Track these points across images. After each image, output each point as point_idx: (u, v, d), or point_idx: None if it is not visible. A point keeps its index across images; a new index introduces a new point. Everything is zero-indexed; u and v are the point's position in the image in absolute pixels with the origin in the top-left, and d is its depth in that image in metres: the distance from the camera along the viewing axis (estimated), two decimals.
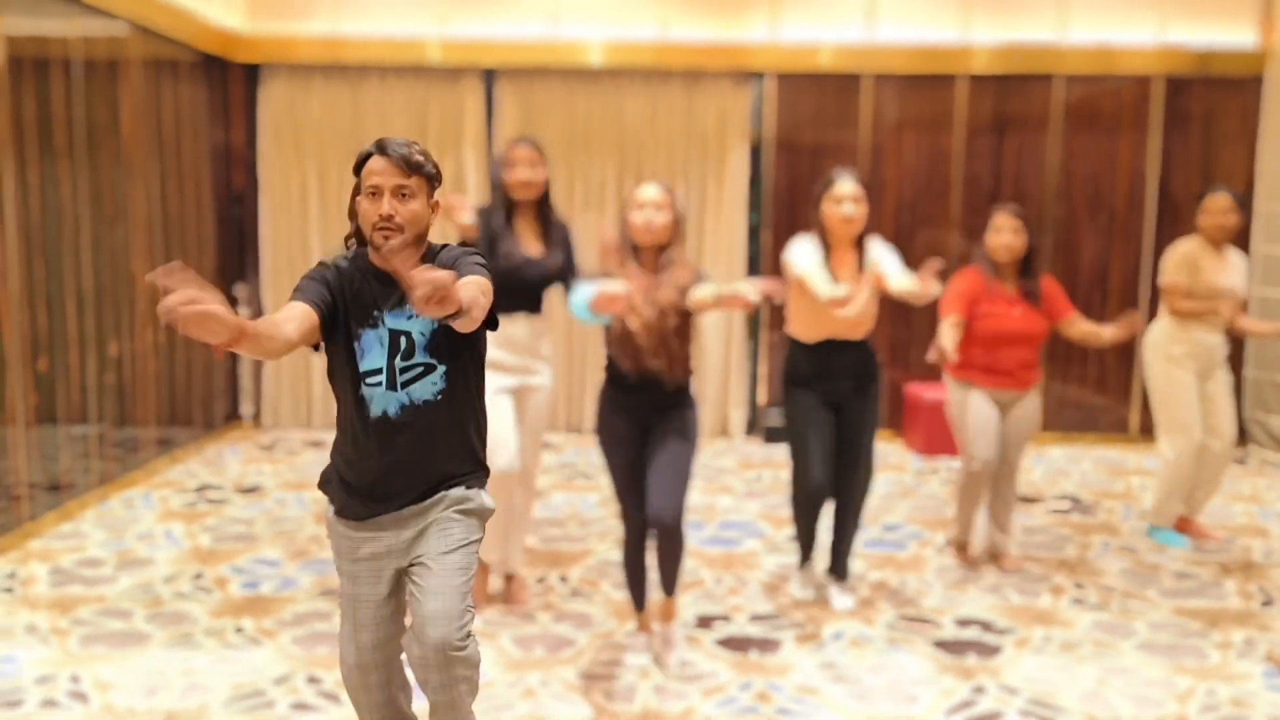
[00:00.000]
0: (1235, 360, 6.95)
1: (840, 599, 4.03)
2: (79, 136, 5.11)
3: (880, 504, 5.43)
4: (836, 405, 3.92)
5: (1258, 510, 5.47)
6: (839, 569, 4.12)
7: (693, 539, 4.83)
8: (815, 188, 3.98)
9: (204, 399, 6.56)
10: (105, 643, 3.56)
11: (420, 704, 2.52)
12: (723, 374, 7.08)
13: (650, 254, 3.35)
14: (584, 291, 3.14)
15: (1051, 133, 6.89)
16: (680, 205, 3.39)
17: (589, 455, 6.35)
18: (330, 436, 6.96)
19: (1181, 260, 4.64)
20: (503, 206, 3.84)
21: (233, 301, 6.97)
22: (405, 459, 2.31)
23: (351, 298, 2.28)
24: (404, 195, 2.24)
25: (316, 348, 2.30)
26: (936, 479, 6.01)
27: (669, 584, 3.48)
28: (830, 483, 3.95)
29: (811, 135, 6.92)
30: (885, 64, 6.78)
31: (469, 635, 2.26)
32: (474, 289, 2.15)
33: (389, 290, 2.26)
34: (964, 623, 3.86)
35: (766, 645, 3.64)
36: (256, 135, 6.95)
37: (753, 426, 7.13)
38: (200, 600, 3.97)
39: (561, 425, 7.12)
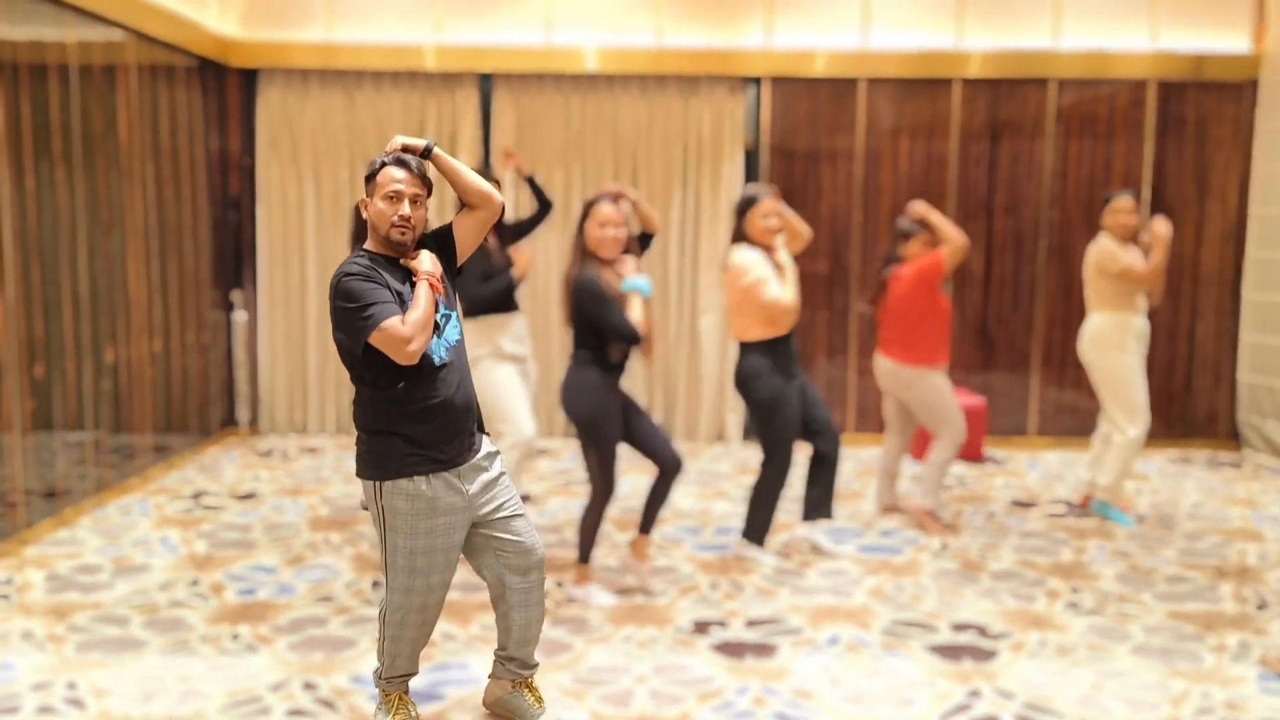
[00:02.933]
0: (1229, 366, 6.99)
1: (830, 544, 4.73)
2: (76, 142, 5.12)
3: (874, 508, 5.44)
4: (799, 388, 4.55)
5: (1252, 514, 5.48)
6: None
7: (688, 544, 4.83)
8: (739, 204, 4.49)
9: (200, 405, 6.56)
10: (101, 649, 3.56)
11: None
12: (719, 380, 7.09)
13: (608, 262, 3.99)
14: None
15: (1046, 137, 6.91)
16: (629, 217, 4.07)
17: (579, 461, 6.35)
18: (324, 442, 6.94)
19: (1114, 251, 5.05)
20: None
21: (229, 306, 6.98)
22: (461, 392, 2.84)
23: (389, 285, 2.77)
24: (417, 202, 2.79)
25: None
26: None
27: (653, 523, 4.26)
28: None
29: (807, 141, 6.94)
30: (880, 69, 6.80)
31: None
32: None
33: (396, 271, 2.82)
34: (960, 627, 3.87)
35: (763, 650, 3.65)
36: (254, 141, 6.96)
37: (749, 432, 7.13)
38: (197, 607, 3.97)
39: (559, 431, 7.12)
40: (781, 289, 4.31)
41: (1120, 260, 5.00)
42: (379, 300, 2.69)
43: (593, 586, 4.15)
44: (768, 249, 4.41)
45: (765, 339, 4.41)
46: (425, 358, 2.78)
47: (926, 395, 4.96)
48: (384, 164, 2.78)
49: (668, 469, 4.11)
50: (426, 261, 2.83)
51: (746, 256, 4.35)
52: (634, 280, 3.96)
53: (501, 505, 2.93)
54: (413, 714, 3.03)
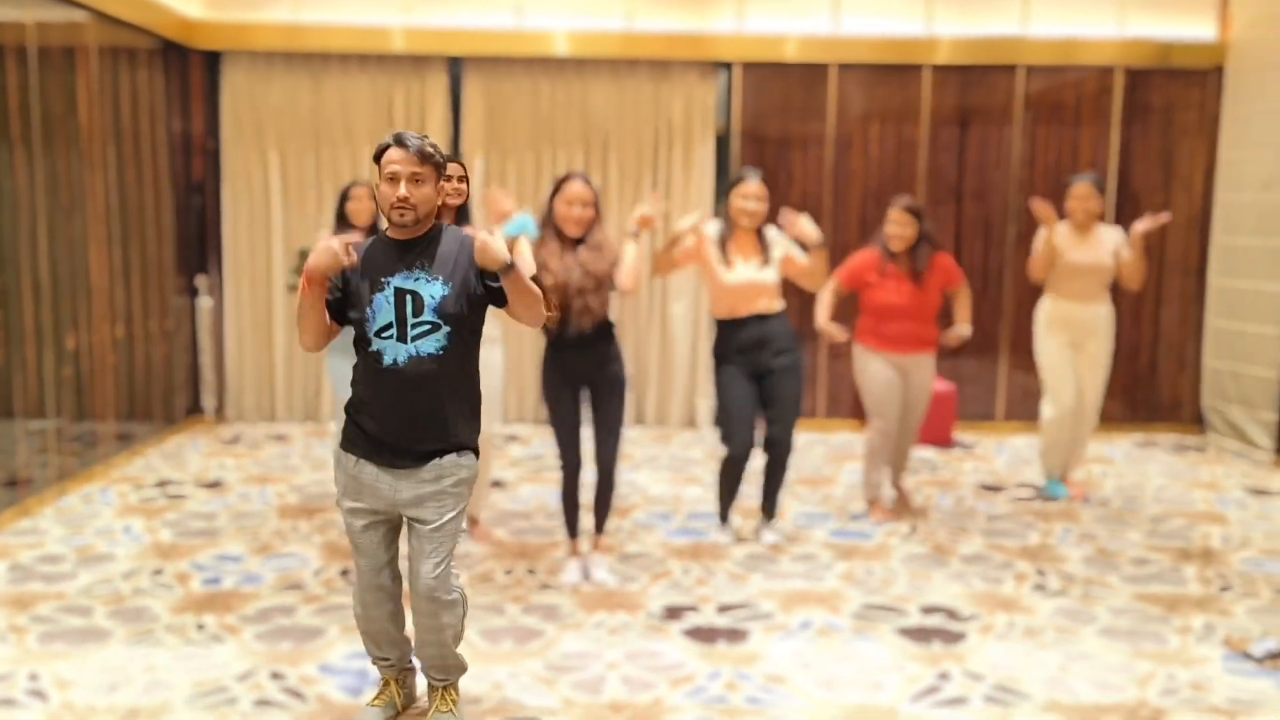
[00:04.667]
0: (1194, 351, 7.08)
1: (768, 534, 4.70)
2: (35, 125, 5.01)
3: (846, 494, 5.46)
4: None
5: (1216, 498, 5.55)
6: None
7: (660, 530, 4.83)
8: (728, 182, 4.63)
9: (164, 393, 6.47)
10: (65, 640, 3.51)
11: None
12: (690, 365, 7.09)
13: (570, 240, 3.97)
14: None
15: (1014, 124, 6.95)
16: (598, 196, 4.01)
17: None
18: (292, 430, 6.88)
19: (1044, 236, 5.13)
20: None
21: (193, 292, 6.88)
22: (414, 404, 2.75)
23: (363, 269, 2.75)
24: (417, 180, 2.71)
25: (342, 322, 2.82)
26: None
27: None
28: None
29: (778, 125, 6.93)
30: (851, 54, 6.80)
31: (454, 588, 2.85)
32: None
33: (399, 259, 2.75)
34: (929, 610, 3.90)
35: (734, 635, 3.65)
36: (218, 124, 6.85)
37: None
38: (161, 596, 3.92)
39: (530, 418, 7.09)
40: (725, 271, 4.43)
41: (1038, 243, 5.18)
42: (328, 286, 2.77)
43: (571, 563, 4.18)
44: (740, 229, 4.52)
45: (719, 319, 4.54)
46: (379, 356, 2.74)
47: (855, 374, 5.10)
48: (386, 145, 2.74)
49: (599, 468, 4.15)
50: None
51: (706, 223, 4.58)
52: (514, 222, 3.94)
53: (420, 519, 2.80)
54: (395, 700, 3.04)
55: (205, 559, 4.33)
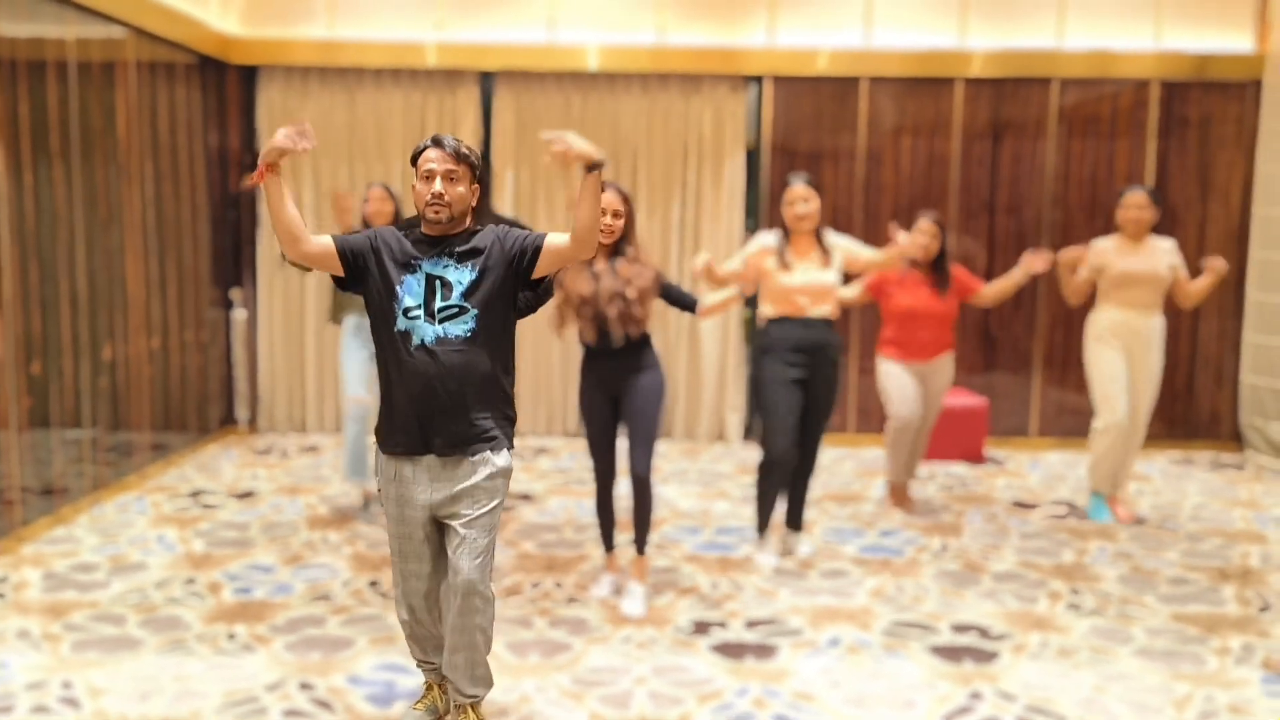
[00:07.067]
0: (1232, 366, 6.97)
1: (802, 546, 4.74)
2: (74, 139, 5.10)
3: (877, 509, 5.42)
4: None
5: (1254, 516, 5.45)
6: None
7: (688, 544, 4.81)
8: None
9: (199, 403, 6.53)
10: (97, 648, 3.54)
11: None
12: (719, 379, 7.07)
13: (604, 247, 3.94)
14: None
15: (1048, 137, 6.89)
16: (630, 206, 3.98)
17: (585, 460, 6.33)
18: (323, 441, 6.93)
19: (1094, 251, 5.19)
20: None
21: (228, 304, 6.95)
22: (441, 386, 2.75)
23: (393, 251, 2.80)
24: (452, 179, 2.78)
25: (341, 285, 2.85)
26: (934, 484, 6.00)
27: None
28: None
29: (809, 139, 6.91)
30: (882, 68, 6.78)
31: (490, 584, 2.85)
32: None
33: (431, 249, 2.81)
34: (961, 628, 3.85)
35: (763, 651, 3.62)
36: (254, 138, 6.94)
37: (749, 431, 7.11)
38: (193, 606, 3.95)
39: (559, 431, 7.10)
40: (784, 274, 4.44)
41: (1086, 253, 5.22)
42: (348, 237, 2.86)
43: (605, 578, 4.17)
44: (798, 234, 4.52)
45: (772, 318, 4.52)
46: (406, 336, 2.77)
47: (877, 379, 5.33)
48: (424, 146, 2.80)
49: (632, 476, 4.00)
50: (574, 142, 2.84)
51: (759, 237, 4.60)
52: None
53: (455, 514, 2.81)
54: (438, 704, 3.07)
55: (237, 569, 4.36)
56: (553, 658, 3.53)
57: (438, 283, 2.77)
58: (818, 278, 4.45)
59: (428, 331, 2.76)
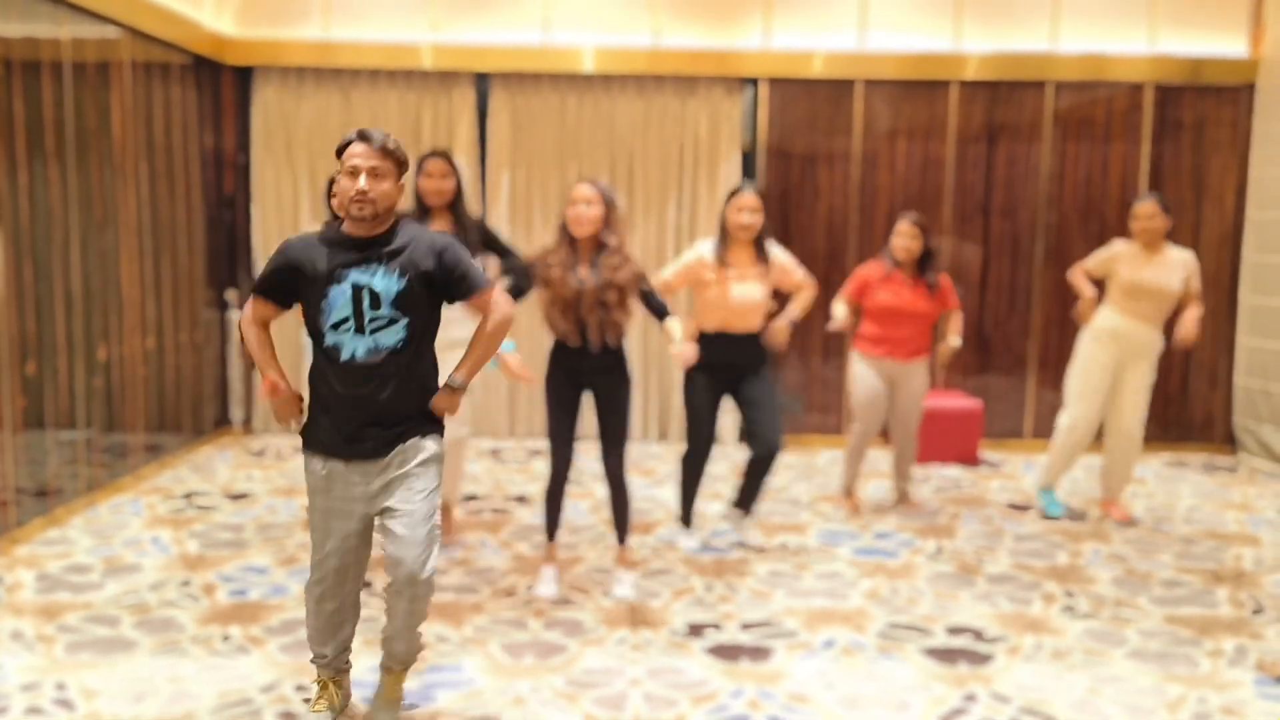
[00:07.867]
0: (1225, 369, 6.99)
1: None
2: (69, 139, 5.09)
3: (871, 512, 5.42)
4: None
5: (1248, 519, 5.47)
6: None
7: (682, 545, 4.81)
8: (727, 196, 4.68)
9: (193, 404, 6.52)
10: (91, 650, 3.54)
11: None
12: None
13: (586, 243, 3.96)
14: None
15: (1043, 140, 6.90)
16: (609, 199, 3.97)
17: (580, 462, 6.33)
18: None
19: (1104, 254, 5.20)
20: (419, 210, 4.43)
21: (223, 305, 6.94)
22: (373, 397, 2.76)
23: (314, 264, 2.77)
24: (377, 175, 2.72)
25: (289, 305, 2.89)
26: (929, 486, 6.01)
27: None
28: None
29: (804, 142, 6.92)
30: (877, 71, 6.79)
31: (433, 570, 2.82)
32: (501, 296, 2.91)
33: (356, 253, 2.77)
34: (955, 630, 3.86)
35: (758, 653, 3.63)
36: (248, 139, 6.93)
37: (744, 434, 7.10)
38: (187, 607, 3.94)
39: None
40: (728, 286, 4.49)
41: (1091, 258, 5.28)
42: (265, 274, 2.86)
43: (546, 570, 4.21)
44: (738, 242, 4.56)
45: (704, 331, 4.59)
46: (335, 349, 2.77)
47: (848, 380, 5.44)
48: (349, 140, 2.76)
49: (609, 477, 4.17)
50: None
51: (696, 246, 4.66)
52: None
53: (391, 509, 2.81)
54: (334, 703, 3.05)
55: (231, 570, 4.35)
56: (547, 659, 3.53)
57: (365, 293, 2.74)
58: (754, 293, 4.54)
59: (358, 345, 2.75)
